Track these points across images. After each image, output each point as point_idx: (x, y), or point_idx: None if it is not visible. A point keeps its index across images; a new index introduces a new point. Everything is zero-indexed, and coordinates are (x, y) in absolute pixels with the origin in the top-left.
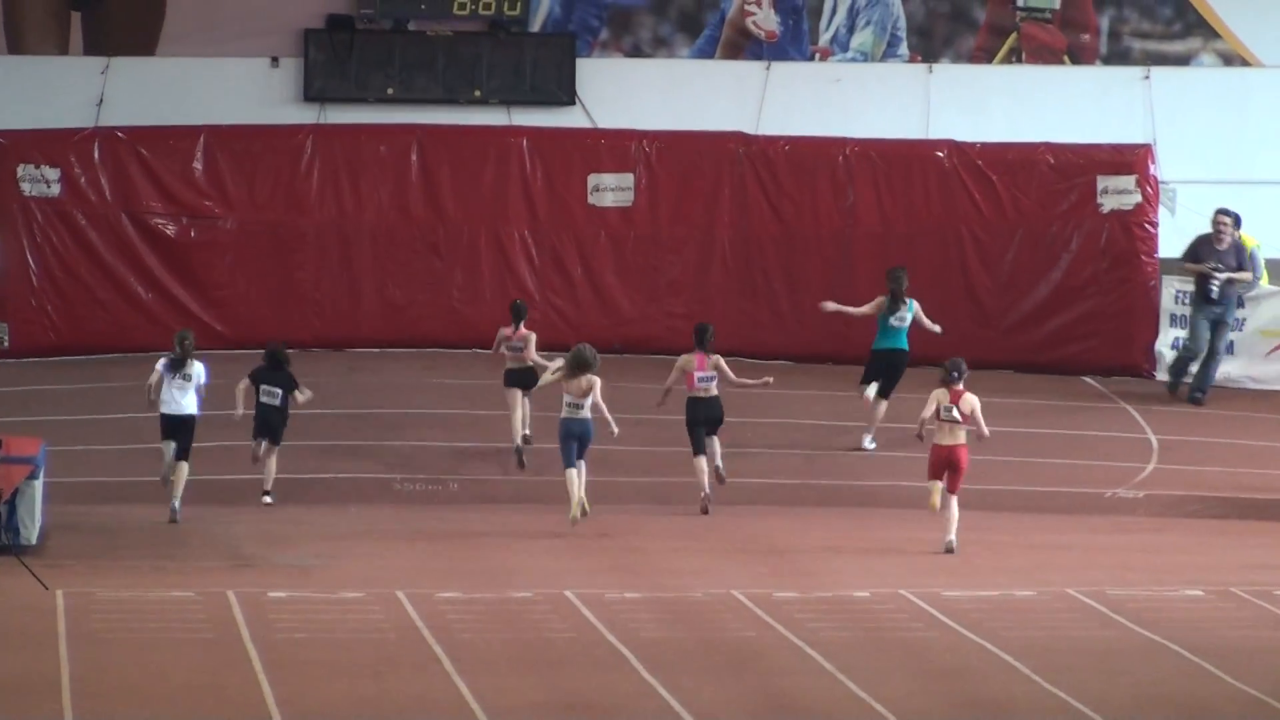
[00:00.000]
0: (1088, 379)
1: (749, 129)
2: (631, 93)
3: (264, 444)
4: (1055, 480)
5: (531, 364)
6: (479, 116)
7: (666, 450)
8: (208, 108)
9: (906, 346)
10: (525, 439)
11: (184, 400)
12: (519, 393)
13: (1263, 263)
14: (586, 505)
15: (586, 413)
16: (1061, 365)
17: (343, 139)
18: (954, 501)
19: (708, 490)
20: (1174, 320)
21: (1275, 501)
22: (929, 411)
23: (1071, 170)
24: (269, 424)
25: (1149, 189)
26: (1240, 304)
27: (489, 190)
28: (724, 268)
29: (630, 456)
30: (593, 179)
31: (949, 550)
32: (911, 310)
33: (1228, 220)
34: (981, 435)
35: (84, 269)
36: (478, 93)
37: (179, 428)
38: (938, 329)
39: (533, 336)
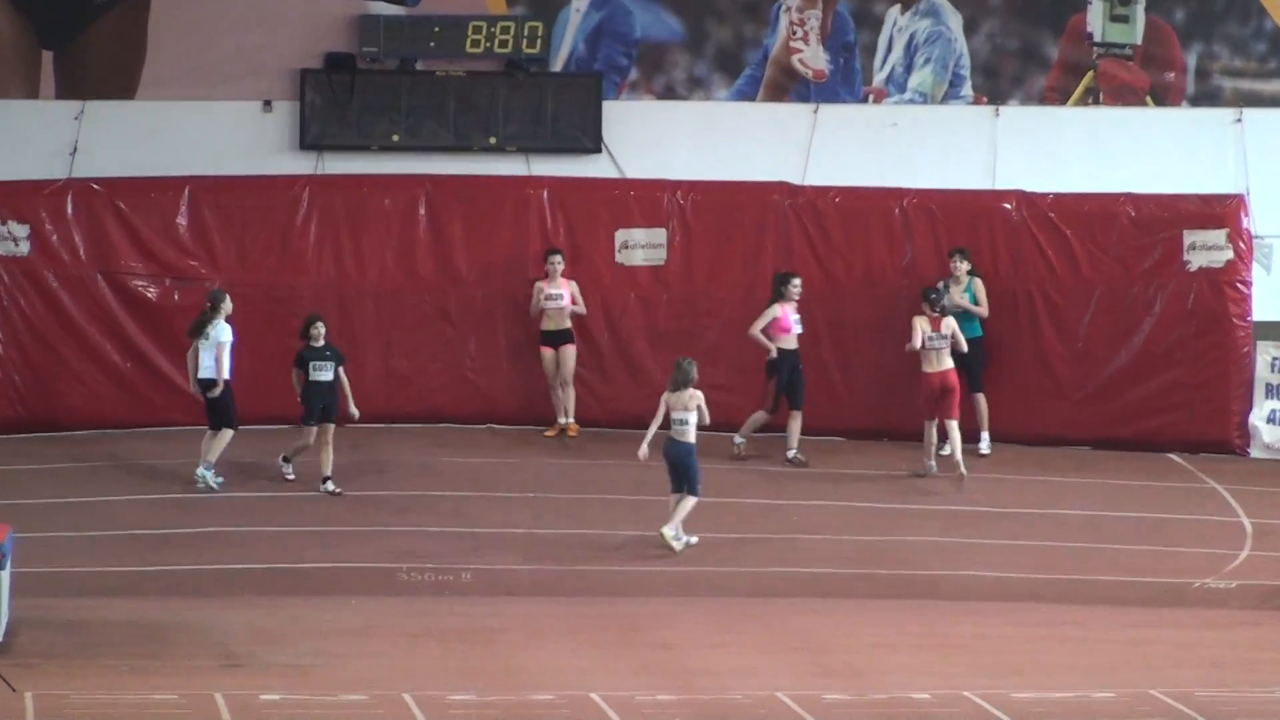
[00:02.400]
0: (1173, 456)
1: (795, 178)
2: (664, 139)
3: (315, 429)
4: (1137, 569)
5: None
6: (494, 166)
7: (700, 537)
8: (193, 156)
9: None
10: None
11: (206, 363)
12: (553, 353)
13: None
14: (670, 537)
15: (690, 435)
16: (1144, 440)
17: (343, 191)
18: (954, 427)
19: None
20: (1270, 390)
21: None
22: (916, 342)
23: (1155, 224)
24: (325, 403)
25: (1242, 244)
26: None
27: (505, 248)
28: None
29: (657, 541)
30: (621, 235)
31: (960, 478)
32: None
33: None
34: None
35: (55, 335)
36: (493, 139)
37: (204, 393)
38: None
39: (574, 286)
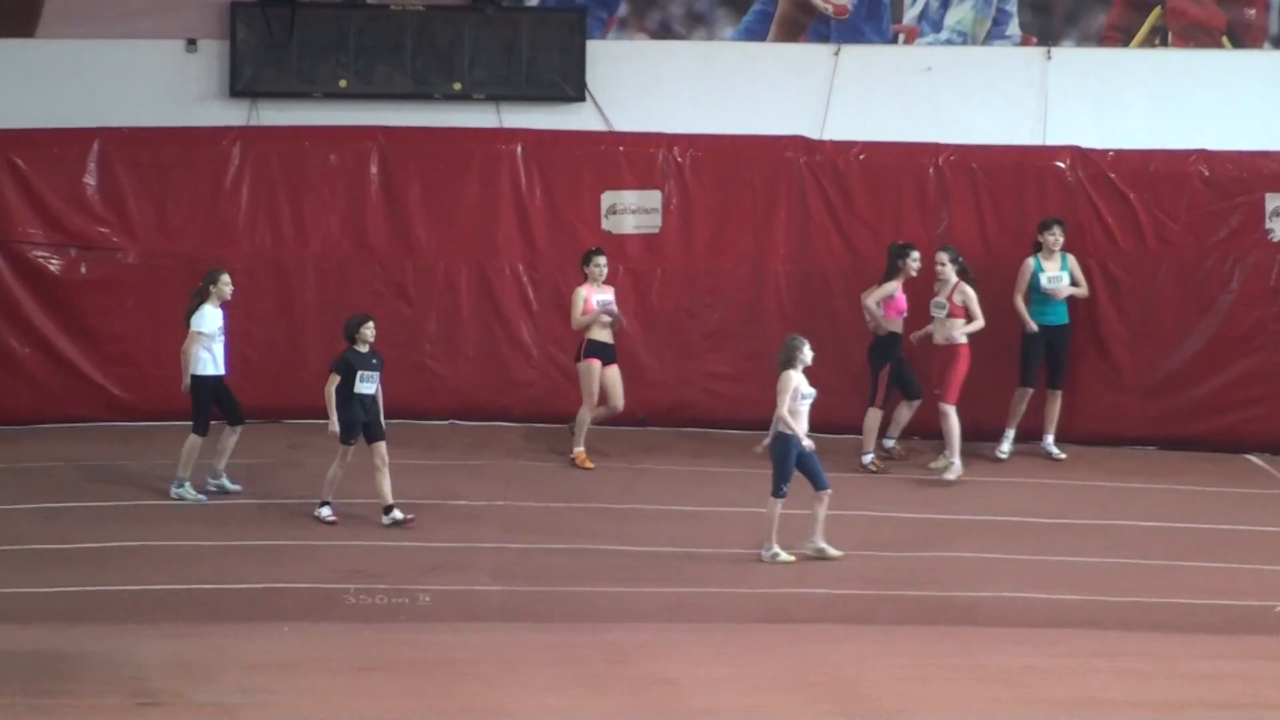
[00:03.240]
0: (1253, 458)
1: (812, 132)
2: (659, 85)
3: (350, 450)
4: (1210, 589)
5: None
6: (459, 116)
7: (700, 552)
8: (104, 105)
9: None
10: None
11: (201, 355)
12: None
13: None
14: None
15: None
16: (1219, 439)
17: (281, 145)
18: (951, 415)
19: None
20: None
21: None
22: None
23: (1233, 185)
24: (370, 418)
25: None
26: None
27: (472, 213)
28: (780, 313)
29: (655, 560)
30: (608, 198)
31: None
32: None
33: None
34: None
35: None
36: (458, 85)
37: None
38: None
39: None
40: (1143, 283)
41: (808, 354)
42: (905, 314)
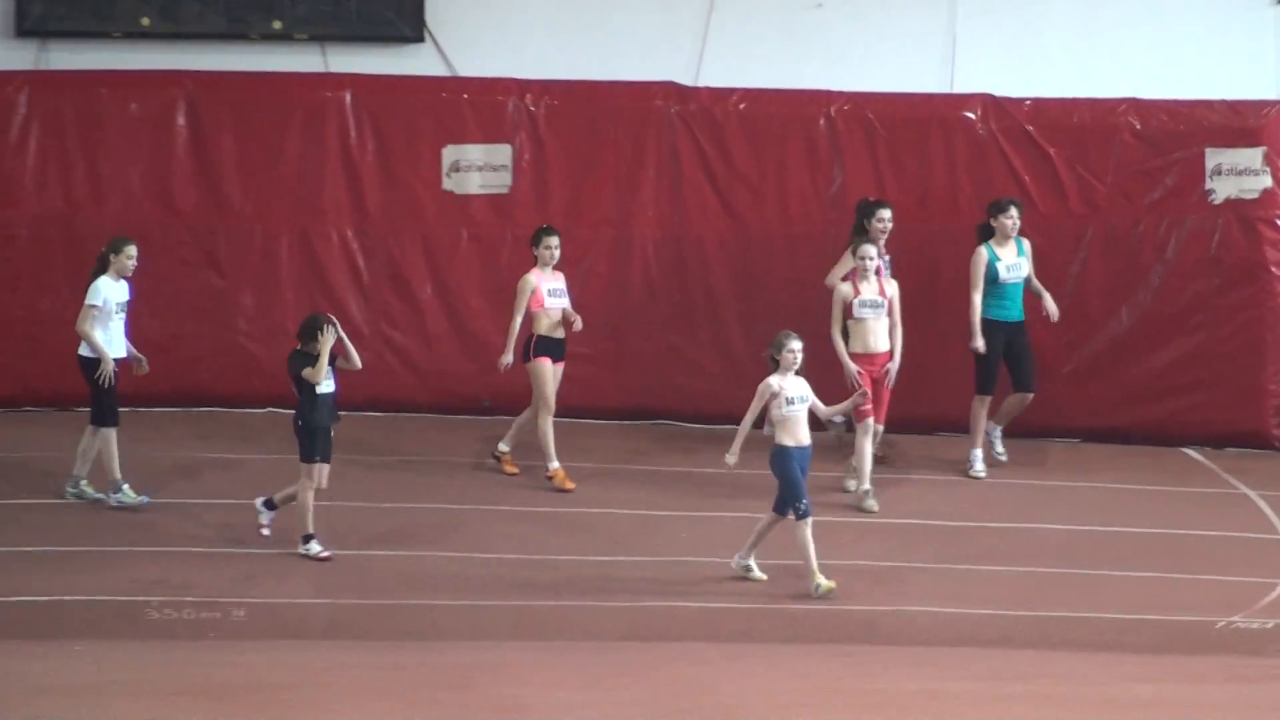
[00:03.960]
0: (1190, 451)
1: (685, 78)
2: (508, 24)
3: (322, 469)
4: (1142, 603)
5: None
6: (279, 59)
7: (556, 560)
8: None
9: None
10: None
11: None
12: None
13: None
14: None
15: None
16: (1153, 431)
17: (74, 92)
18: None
19: None
20: None
21: None
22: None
23: (1168, 140)
24: (332, 423)
25: None
26: None
27: (294, 171)
28: (647, 285)
29: (502, 570)
30: (450, 153)
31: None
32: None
33: None
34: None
35: None
36: (277, 24)
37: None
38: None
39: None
40: (1065, 252)
41: (788, 355)
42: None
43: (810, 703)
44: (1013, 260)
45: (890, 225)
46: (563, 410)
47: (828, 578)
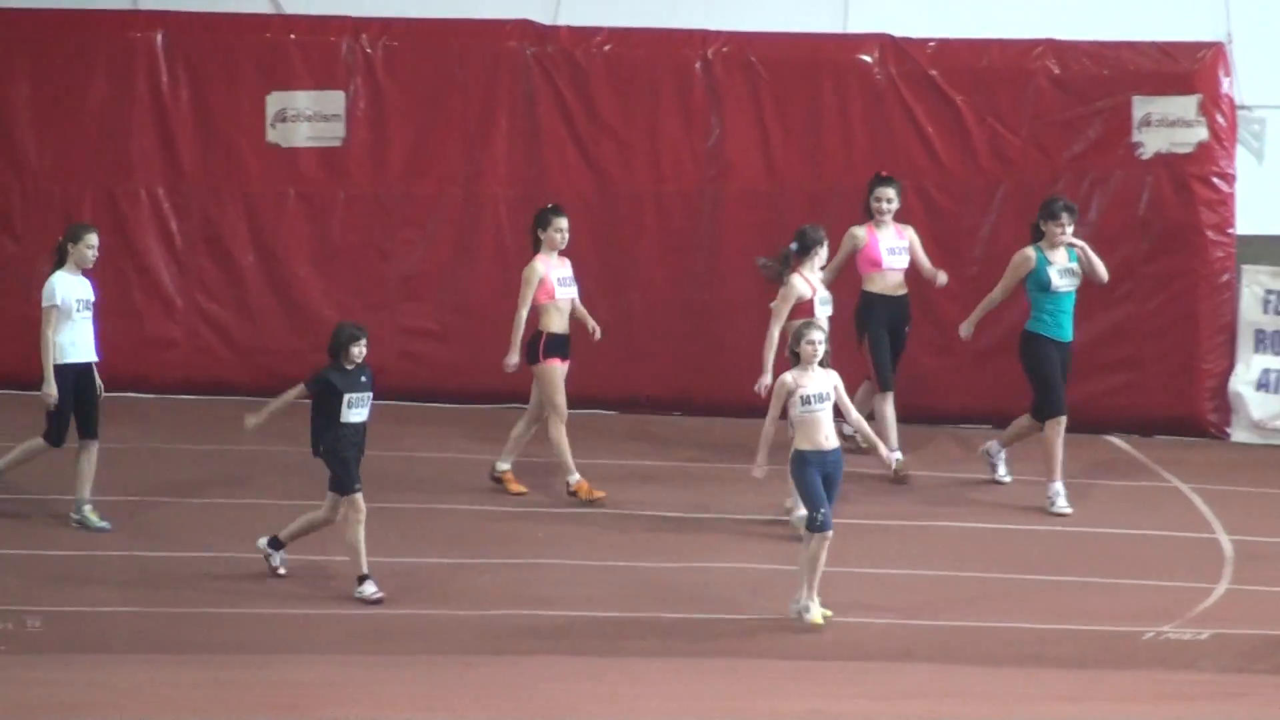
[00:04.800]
0: (1115, 439)
1: (543, 16)
2: None
3: (341, 500)
4: (1060, 611)
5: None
6: None
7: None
8: None
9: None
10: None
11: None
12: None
13: None
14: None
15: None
16: (1073, 417)
17: None
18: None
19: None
20: (1261, 340)
21: None
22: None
23: (1090, 86)
24: (360, 455)
25: (1221, 119)
26: None
27: (97, 121)
28: (498, 250)
29: (332, 574)
30: (275, 101)
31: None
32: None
33: None
34: None
35: None
36: None
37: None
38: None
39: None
40: (974, 213)
41: (807, 347)
42: (884, 265)
43: None
44: (1064, 265)
45: (893, 205)
46: (405, 393)
47: (824, 607)
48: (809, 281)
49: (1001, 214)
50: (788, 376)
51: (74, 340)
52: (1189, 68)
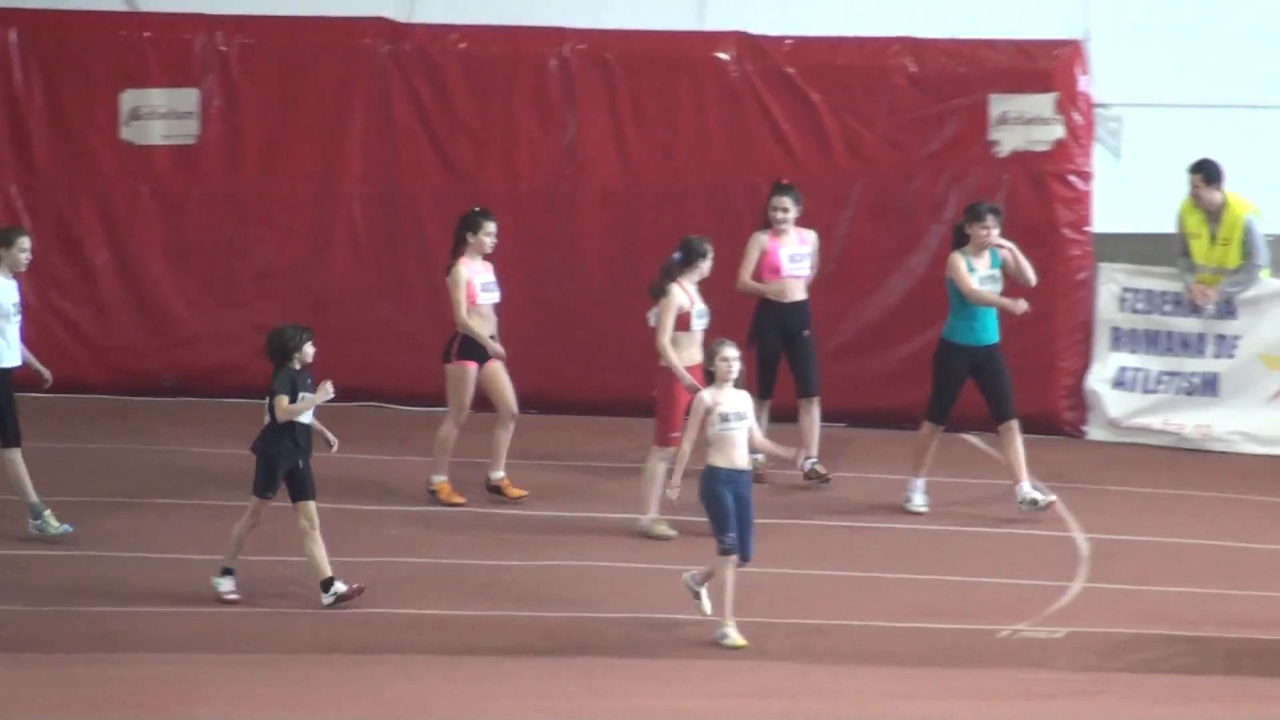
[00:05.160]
0: (969, 438)
1: (399, 14)
2: None
3: (267, 504)
4: (914, 609)
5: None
6: None
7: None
8: None
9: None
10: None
11: None
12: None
13: (1263, 242)
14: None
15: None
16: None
17: None
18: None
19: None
20: (1119, 339)
21: None
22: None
23: (947, 84)
24: (304, 466)
25: (1078, 117)
26: (1230, 311)
27: None
28: (353, 248)
29: (182, 571)
30: (129, 99)
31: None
32: None
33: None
34: None
35: None
36: None
37: None
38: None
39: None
40: (830, 211)
41: (721, 364)
42: (784, 272)
43: None
44: (986, 272)
45: (788, 215)
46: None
47: (740, 634)
48: (688, 293)
49: (857, 211)
50: (705, 395)
51: (8, 343)
52: (1046, 66)
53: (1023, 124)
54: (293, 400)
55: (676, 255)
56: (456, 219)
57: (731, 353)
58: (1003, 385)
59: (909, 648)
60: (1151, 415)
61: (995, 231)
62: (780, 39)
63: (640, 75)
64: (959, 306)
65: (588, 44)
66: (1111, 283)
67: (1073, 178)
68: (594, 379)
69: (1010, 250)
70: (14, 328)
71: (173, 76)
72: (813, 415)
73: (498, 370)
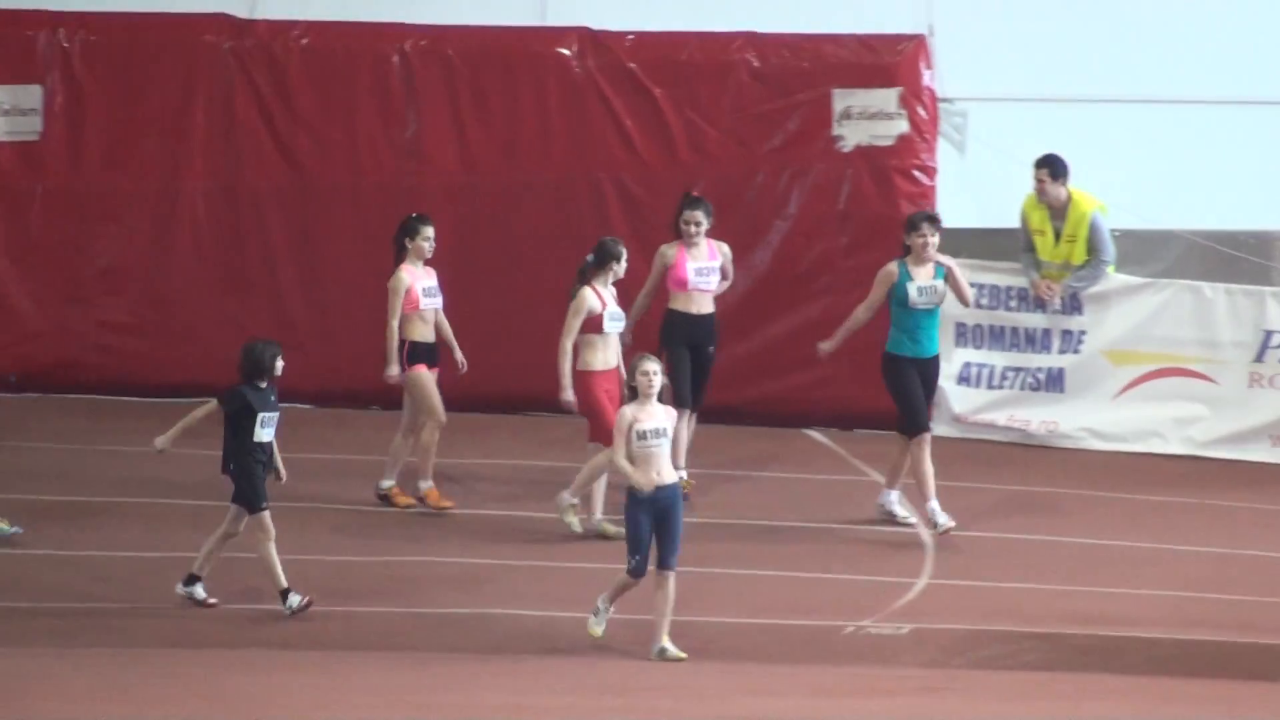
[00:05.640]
0: (814, 433)
1: (241, 10)
2: None
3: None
4: (761, 606)
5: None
6: None
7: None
8: None
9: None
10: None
11: None
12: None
13: (1109, 239)
14: (670, 648)
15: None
16: (770, 410)
17: None
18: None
19: None
20: (963, 334)
21: (1130, 641)
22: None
23: (791, 79)
24: (265, 474)
25: (922, 112)
26: (1075, 307)
27: None
28: (195, 245)
29: (12, 567)
30: None
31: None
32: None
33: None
34: None
35: None
36: None
37: None
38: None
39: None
40: (671, 206)
41: (644, 378)
42: (690, 285)
43: (379, 719)
44: (927, 282)
45: (700, 228)
46: (102, 387)
47: (675, 645)
48: (600, 295)
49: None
50: (627, 411)
51: None
52: (890, 60)
53: (866, 119)
54: (243, 419)
55: (590, 257)
56: (298, 214)
57: (652, 366)
58: (928, 400)
59: (754, 644)
60: (996, 411)
61: (932, 240)
62: (622, 34)
63: (482, 71)
64: (900, 319)
65: (429, 39)
66: None
67: (917, 172)
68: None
69: (951, 269)
70: None
71: (15, 73)
72: (688, 427)
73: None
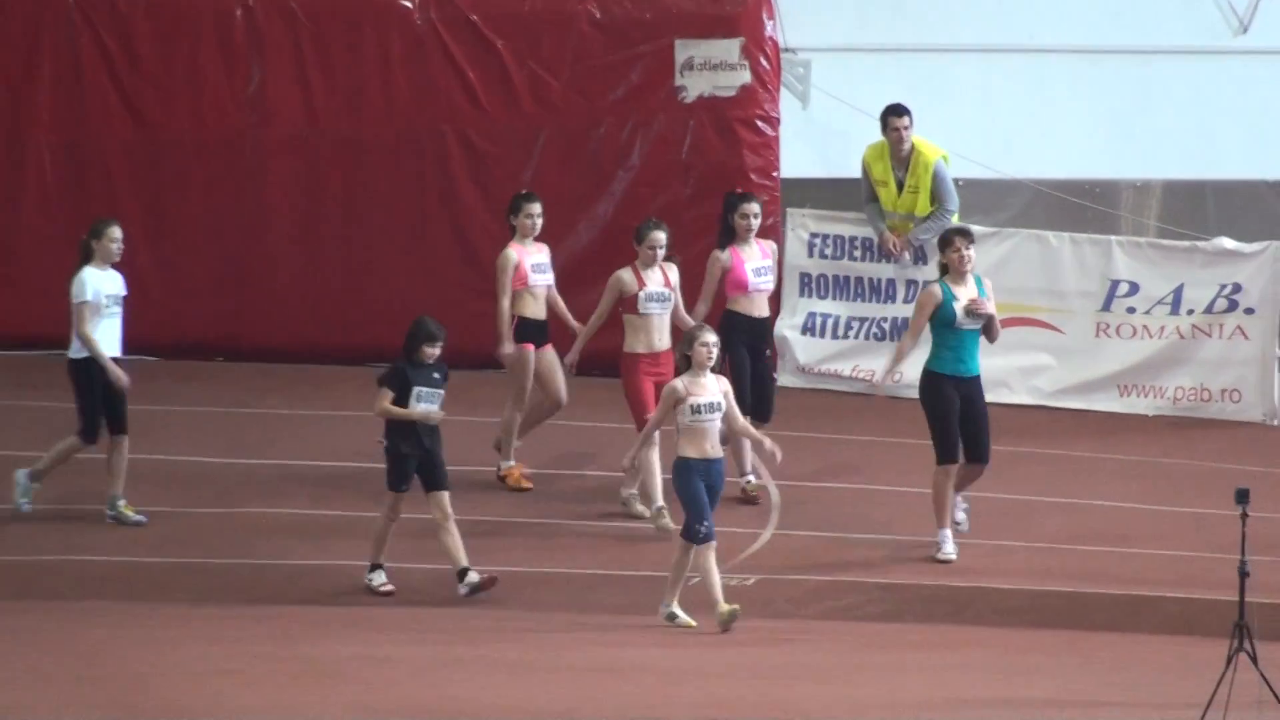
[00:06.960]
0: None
1: None
2: None
3: (403, 498)
4: (609, 559)
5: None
6: None
7: None
8: None
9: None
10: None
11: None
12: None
13: (953, 188)
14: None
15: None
16: (604, 361)
17: None
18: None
19: None
20: (807, 284)
21: (979, 591)
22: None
23: (632, 30)
24: (432, 458)
25: (765, 62)
26: (921, 258)
27: None
28: (43, 199)
29: None
30: None
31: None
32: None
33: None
34: None
35: None
36: None
37: None
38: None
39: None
40: (516, 158)
41: (704, 349)
42: (750, 286)
43: (231, 669)
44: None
45: (756, 222)
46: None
47: (729, 602)
48: (640, 276)
49: (543, 159)
50: (678, 383)
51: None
52: (732, 11)
53: (709, 70)
54: (401, 395)
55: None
56: (145, 168)
57: (712, 338)
58: (979, 424)
59: (604, 596)
60: (841, 361)
61: (968, 253)
62: None
63: (325, 23)
64: (945, 337)
65: None
66: (800, 229)
67: (760, 123)
68: (283, 324)
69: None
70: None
71: None
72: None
73: (551, 356)
